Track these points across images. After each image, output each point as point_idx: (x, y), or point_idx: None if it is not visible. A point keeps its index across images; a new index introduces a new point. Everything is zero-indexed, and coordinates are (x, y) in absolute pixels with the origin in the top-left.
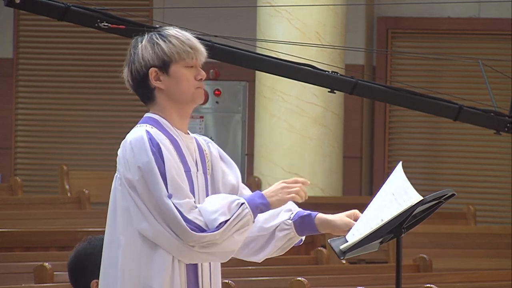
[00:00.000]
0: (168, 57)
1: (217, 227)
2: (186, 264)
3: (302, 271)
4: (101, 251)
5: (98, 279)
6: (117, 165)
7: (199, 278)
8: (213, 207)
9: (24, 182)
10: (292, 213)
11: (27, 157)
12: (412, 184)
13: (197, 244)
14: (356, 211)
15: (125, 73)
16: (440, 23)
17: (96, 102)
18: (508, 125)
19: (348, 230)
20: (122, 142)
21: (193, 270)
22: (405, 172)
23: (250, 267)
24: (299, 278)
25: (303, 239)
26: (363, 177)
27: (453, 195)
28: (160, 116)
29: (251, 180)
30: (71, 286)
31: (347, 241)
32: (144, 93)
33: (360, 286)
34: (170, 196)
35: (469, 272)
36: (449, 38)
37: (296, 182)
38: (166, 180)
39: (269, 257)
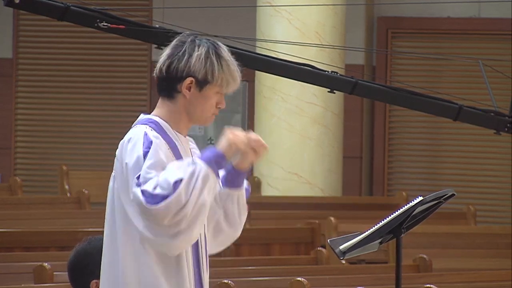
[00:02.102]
0: (212, 78)
1: (173, 187)
2: (192, 260)
3: (302, 271)
4: (101, 251)
5: (98, 279)
6: (115, 165)
7: (202, 273)
8: (166, 172)
9: (24, 182)
10: (220, 186)
11: (27, 157)
12: (412, 184)
13: (168, 219)
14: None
15: (162, 61)
16: (440, 23)
17: (96, 102)
18: (508, 125)
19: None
20: (120, 142)
21: (197, 266)
22: (405, 172)
23: (250, 267)
24: (299, 278)
25: (249, 191)
26: (363, 177)
27: (453, 195)
28: (161, 118)
29: (251, 180)
30: (70, 286)
31: (348, 241)
32: (168, 89)
33: (360, 286)
34: (139, 184)
35: (469, 272)
36: (449, 38)
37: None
38: (140, 170)
39: (240, 224)
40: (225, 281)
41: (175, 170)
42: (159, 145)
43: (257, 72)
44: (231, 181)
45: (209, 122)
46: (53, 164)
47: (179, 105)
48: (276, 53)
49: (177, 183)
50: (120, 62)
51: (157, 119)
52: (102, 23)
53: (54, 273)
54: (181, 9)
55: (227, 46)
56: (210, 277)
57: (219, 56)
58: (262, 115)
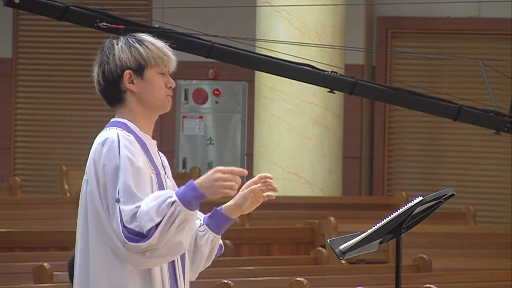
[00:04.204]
0: (145, 61)
1: (147, 233)
2: (168, 269)
3: (302, 271)
4: None
5: None
6: (87, 168)
7: (177, 276)
8: (145, 210)
9: (24, 182)
10: (200, 219)
11: (27, 157)
12: (412, 184)
13: (138, 252)
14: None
15: (96, 73)
16: (440, 23)
17: (96, 102)
18: (508, 125)
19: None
20: (93, 146)
21: (172, 269)
22: (405, 172)
23: (250, 267)
24: (298, 278)
25: (223, 247)
26: (363, 177)
27: (453, 195)
28: (128, 120)
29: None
30: (70, 286)
31: (348, 241)
32: (114, 95)
33: (360, 286)
34: (117, 201)
35: (469, 272)
36: (449, 38)
37: (232, 172)
38: (118, 184)
39: (201, 269)
40: (225, 281)
41: (154, 210)
42: (133, 144)
43: (257, 72)
44: (217, 226)
45: (167, 105)
46: (53, 164)
47: (132, 102)
48: (276, 53)
49: (151, 229)
50: None
51: (125, 121)
52: (102, 23)
53: (54, 273)
54: (181, 9)
55: (227, 46)
56: (209, 277)
57: (139, 40)
58: (262, 115)
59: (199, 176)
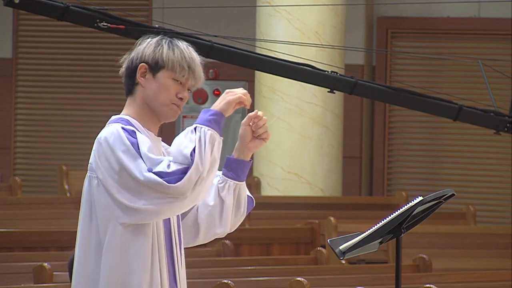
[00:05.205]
0: (163, 62)
1: (190, 156)
2: (166, 255)
3: (302, 271)
4: None
5: None
6: (91, 165)
7: (176, 273)
8: (177, 148)
9: (24, 182)
10: (218, 175)
11: (27, 157)
12: (412, 184)
13: (190, 190)
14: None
15: (123, 59)
16: (440, 23)
17: (96, 102)
18: (508, 125)
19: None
20: (96, 140)
21: (171, 262)
22: (405, 172)
23: (250, 267)
24: (298, 278)
25: (255, 201)
26: (363, 177)
27: (453, 195)
28: (131, 116)
29: (251, 180)
30: (70, 286)
31: (348, 241)
32: (128, 84)
33: (360, 286)
34: (150, 170)
35: (469, 272)
36: (449, 38)
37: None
38: (142, 158)
39: (238, 222)
40: (225, 281)
41: (184, 142)
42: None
43: (257, 72)
44: (234, 172)
45: (169, 114)
46: (53, 164)
47: (140, 96)
48: (276, 53)
49: (192, 153)
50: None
51: (127, 117)
52: (102, 23)
53: (54, 273)
54: (181, 9)
55: (227, 46)
56: (209, 277)
57: (171, 43)
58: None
59: None
